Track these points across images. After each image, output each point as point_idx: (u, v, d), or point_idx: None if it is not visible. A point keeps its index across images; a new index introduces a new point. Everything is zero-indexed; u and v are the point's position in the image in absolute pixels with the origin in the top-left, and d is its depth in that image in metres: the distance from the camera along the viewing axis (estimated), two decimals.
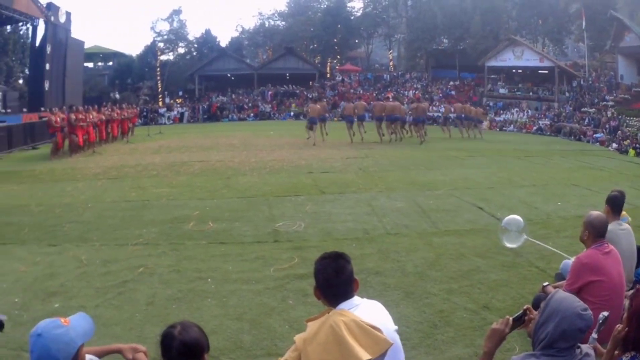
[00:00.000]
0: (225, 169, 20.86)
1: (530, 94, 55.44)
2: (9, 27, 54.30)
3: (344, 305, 3.69)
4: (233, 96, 68.76)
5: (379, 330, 3.43)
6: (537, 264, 9.27)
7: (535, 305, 4.28)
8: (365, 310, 3.72)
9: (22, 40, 61.62)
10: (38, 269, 9.67)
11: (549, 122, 46.48)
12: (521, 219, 7.93)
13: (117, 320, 7.42)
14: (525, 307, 3.92)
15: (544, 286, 6.41)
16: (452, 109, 40.69)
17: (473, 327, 6.95)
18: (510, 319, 3.79)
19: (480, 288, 8.23)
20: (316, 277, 3.84)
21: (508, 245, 8.11)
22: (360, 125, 32.54)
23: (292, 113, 59.55)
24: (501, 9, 61.38)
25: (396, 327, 3.94)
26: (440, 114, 46.73)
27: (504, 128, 48.95)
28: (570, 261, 6.95)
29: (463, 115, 38.77)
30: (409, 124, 34.81)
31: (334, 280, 3.76)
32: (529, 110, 51.54)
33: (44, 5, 41.60)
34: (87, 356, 3.63)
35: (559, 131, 43.18)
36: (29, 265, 9.88)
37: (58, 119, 27.38)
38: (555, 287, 6.10)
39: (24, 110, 41.11)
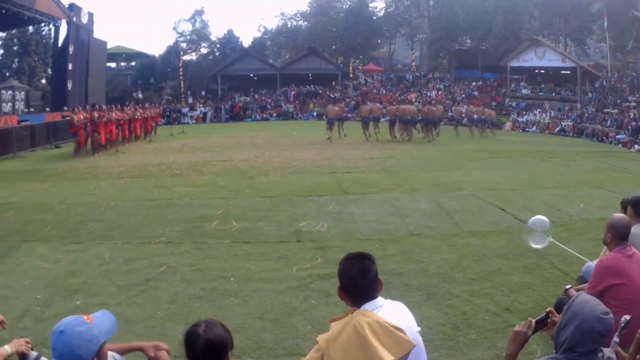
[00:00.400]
0: (249, 169, 20.86)
1: (553, 94, 54.95)
2: (31, 27, 54.68)
3: (368, 306, 3.66)
4: (256, 96, 68.80)
5: (402, 331, 3.42)
6: (560, 267, 9.18)
7: (558, 308, 4.26)
8: (389, 311, 3.71)
9: (44, 40, 62.25)
10: (60, 266, 9.74)
11: (571, 123, 46.05)
12: (547, 220, 7.82)
13: (139, 318, 7.45)
14: (547, 310, 3.91)
15: (566, 289, 6.35)
16: (463, 111, 42.89)
17: (495, 329, 6.91)
18: (533, 321, 3.76)
19: (502, 290, 8.17)
20: (341, 277, 3.83)
21: (533, 246, 8.01)
22: (375, 126, 34.44)
23: (314, 113, 59.55)
24: (523, 8, 60.93)
25: (419, 329, 3.91)
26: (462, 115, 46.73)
27: (527, 129, 48.49)
28: (592, 264, 6.92)
29: (475, 117, 41.16)
30: (420, 125, 36.09)
31: (359, 281, 3.74)
32: (552, 111, 51.06)
33: (66, 6, 41.85)
34: (109, 353, 3.66)
35: (582, 132, 42.75)
36: (52, 263, 9.95)
37: (81, 117, 27.59)
38: (577, 290, 6.00)
39: (47, 109, 41.38)
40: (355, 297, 3.75)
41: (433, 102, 43.05)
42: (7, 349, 4.12)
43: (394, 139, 33.96)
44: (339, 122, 34.87)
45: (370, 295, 3.74)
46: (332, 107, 35.01)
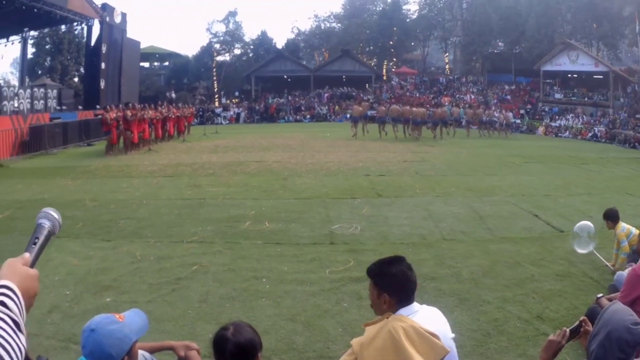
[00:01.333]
0: (282, 170, 20.86)
1: (585, 99, 54.46)
2: (63, 26, 55.10)
3: (404, 311, 3.64)
4: (289, 98, 68.94)
5: (436, 337, 3.38)
6: (591, 275, 9.07)
7: (589, 316, 4.21)
8: (424, 316, 3.68)
9: (77, 39, 62.58)
10: (91, 263, 9.83)
11: (603, 129, 45.65)
12: (592, 226, 7.95)
13: (169, 316, 7.49)
14: (581, 319, 3.88)
15: (598, 298, 6.27)
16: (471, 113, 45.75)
17: (526, 336, 6.85)
18: (568, 330, 3.73)
19: (534, 297, 8.10)
20: (387, 281, 3.76)
21: (578, 250, 8.14)
22: (394, 125, 38.96)
23: (348, 115, 59.69)
24: (556, 11, 60.44)
25: (454, 335, 3.90)
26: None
27: (559, 134, 48.11)
28: (624, 273, 6.92)
29: (485, 119, 44.54)
30: (427, 125, 39.84)
31: (408, 285, 3.76)
32: (584, 117, 50.65)
33: (99, 6, 42.15)
34: (139, 352, 3.64)
35: (614, 138, 42.48)
36: (82, 259, 10.04)
37: (113, 115, 27.77)
38: (609, 299, 5.91)
39: (79, 107, 41.76)
40: (401, 300, 3.72)
41: (440, 104, 48.09)
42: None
43: (396, 136, 37.85)
44: (363, 120, 38.72)
45: (409, 300, 3.74)
46: (356, 107, 38.93)
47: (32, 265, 2.03)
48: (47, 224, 2.28)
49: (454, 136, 40.42)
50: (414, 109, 38.86)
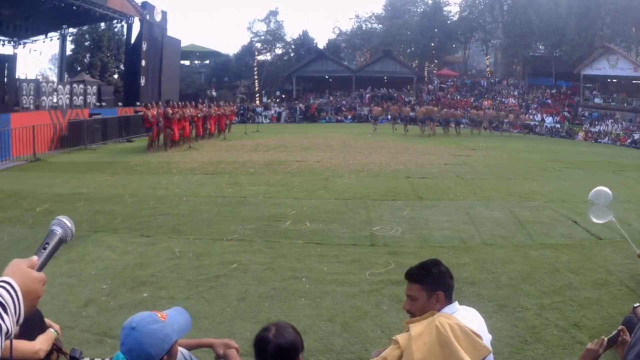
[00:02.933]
0: (323, 170, 20.89)
1: (625, 104, 53.98)
2: (103, 24, 55.48)
3: (447, 309, 3.78)
4: (330, 98, 69.09)
5: (479, 336, 3.51)
6: (628, 284, 8.98)
7: (626, 326, 4.25)
8: (465, 316, 3.82)
9: (116, 37, 63.49)
10: (129, 258, 9.92)
11: None
12: (609, 192, 7.70)
13: (206, 314, 7.49)
14: (619, 328, 3.86)
15: (635, 307, 6.28)
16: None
17: (562, 345, 6.80)
18: (606, 339, 3.73)
19: (572, 305, 8.02)
20: (439, 280, 3.94)
21: (595, 220, 7.92)
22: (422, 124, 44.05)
23: (389, 116, 59.62)
24: (595, 15, 59.80)
25: (490, 337, 4.01)
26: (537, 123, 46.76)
27: (599, 140, 47.52)
28: None
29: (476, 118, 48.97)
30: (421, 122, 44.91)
31: (452, 282, 3.99)
32: (623, 122, 50.16)
33: (139, 4, 42.56)
34: (179, 349, 3.60)
35: None
36: (120, 254, 10.14)
37: (154, 113, 28.09)
38: None
39: (119, 104, 42.12)
40: (450, 297, 3.93)
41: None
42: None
43: (394, 130, 45.42)
44: (404, 122, 45.97)
45: (452, 298, 3.95)
46: (393, 107, 47.13)
47: (39, 269, 2.06)
48: (59, 231, 2.39)
49: (458, 135, 44.44)
50: (421, 109, 47.02)
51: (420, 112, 45.70)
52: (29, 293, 1.93)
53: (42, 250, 2.26)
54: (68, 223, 2.44)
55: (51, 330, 4.21)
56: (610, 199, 7.67)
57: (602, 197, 7.68)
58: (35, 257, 2.13)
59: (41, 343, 4.01)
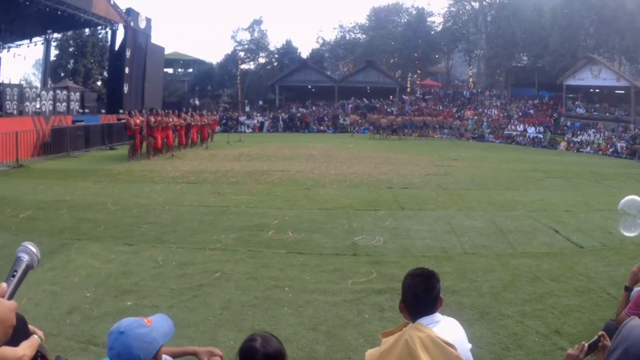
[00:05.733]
0: (305, 180, 20.92)
1: (607, 114, 54.35)
2: (87, 30, 55.40)
3: (424, 320, 3.75)
4: (313, 108, 69.19)
5: (453, 347, 3.50)
6: (609, 291, 9.05)
7: (606, 332, 4.28)
8: (444, 327, 3.79)
9: (100, 43, 63.19)
10: (112, 266, 9.90)
11: (624, 144, 45.38)
12: None
13: (190, 322, 7.50)
14: (599, 334, 3.91)
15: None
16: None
17: (544, 351, 6.86)
18: (586, 345, 3.79)
19: (553, 312, 8.09)
20: (405, 291, 3.91)
21: (626, 233, 7.48)
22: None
23: (370, 127, 59.86)
24: (579, 25, 60.22)
25: (470, 346, 4.01)
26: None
27: (581, 149, 47.69)
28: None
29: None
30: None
31: (423, 298, 3.83)
32: (605, 132, 50.43)
33: (124, 11, 42.69)
34: (163, 356, 3.63)
35: (634, 154, 42.17)
36: (103, 262, 10.12)
37: (137, 121, 28.01)
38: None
39: (102, 111, 42.15)
40: (415, 312, 3.84)
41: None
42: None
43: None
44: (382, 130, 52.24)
45: (429, 311, 3.83)
46: (370, 116, 50.25)
47: (10, 297, 2.09)
48: (25, 258, 2.41)
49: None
50: (390, 117, 54.77)
51: (398, 121, 53.31)
52: (2, 322, 2.00)
53: (11, 278, 2.31)
54: (34, 249, 2.46)
55: (35, 336, 4.16)
56: None
57: (634, 206, 6.96)
58: (4, 284, 2.16)
59: (24, 349, 3.95)
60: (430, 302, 3.87)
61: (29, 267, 2.42)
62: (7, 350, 3.87)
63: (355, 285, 9.12)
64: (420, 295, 3.86)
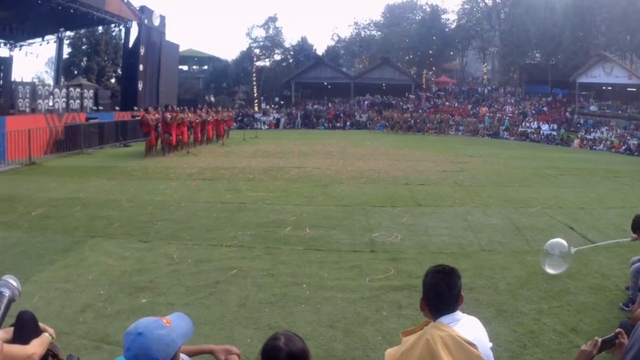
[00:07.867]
0: (322, 176, 20.86)
1: (619, 112, 54.26)
2: (100, 27, 55.43)
3: (445, 319, 3.70)
4: (329, 104, 69.16)
5: (474, 346, 3.45)
6: (624, 289, 8.97)
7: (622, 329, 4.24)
8: (465, 325, 3.75)
9: (114, 40, 63.61)
10: (127, 264, 9.84)
11: (637, 142, 45.40)
12: (566, 244, 7.33)
13: (206, 319, 7.42)
14: (617, 331, 3.86)
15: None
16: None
17: (560, 349, 6.82)
18: (599, 340, 3.72)
19: (569, 310, 8.06)
20: (427, 289, 3.85)
21: (549, 270, 7.54)
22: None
23: (386, 123, 59.66)
24: (591, 23, 60.13)
25: (491, 344, 3.94)
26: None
27: (594, 147, 47.70)
28: None
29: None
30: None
31: (446, 296, 3.76)
32: (618, 129, 50.32)
33: (137, 8, 42.62)
34: (181, 355, 3.53)
35: None
36: (118, 260, 10.07)
37: (153, 118, 28.08)
38: None
39: (116, 108, 42.10)
40: (437, 310, 3.77)
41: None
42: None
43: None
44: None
45: (450, 309, 3.78)
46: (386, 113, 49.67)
47: None
48: (7, 293, 2.42)
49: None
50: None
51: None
52: None
53: None
54: (14, 283, 2.47)
55: (46, 334, 4.12)
56: (566, 250, 7.29)
57: (557, 248, 7.32)
58: None
59: (35, 347, 3.93)
60: (451, 300, 3.81)
61: (11, 301, 2.43)
62: (17, 348, 3.86)
63: (373, 282, 9.04)
64: (443, 292, 3.79)
